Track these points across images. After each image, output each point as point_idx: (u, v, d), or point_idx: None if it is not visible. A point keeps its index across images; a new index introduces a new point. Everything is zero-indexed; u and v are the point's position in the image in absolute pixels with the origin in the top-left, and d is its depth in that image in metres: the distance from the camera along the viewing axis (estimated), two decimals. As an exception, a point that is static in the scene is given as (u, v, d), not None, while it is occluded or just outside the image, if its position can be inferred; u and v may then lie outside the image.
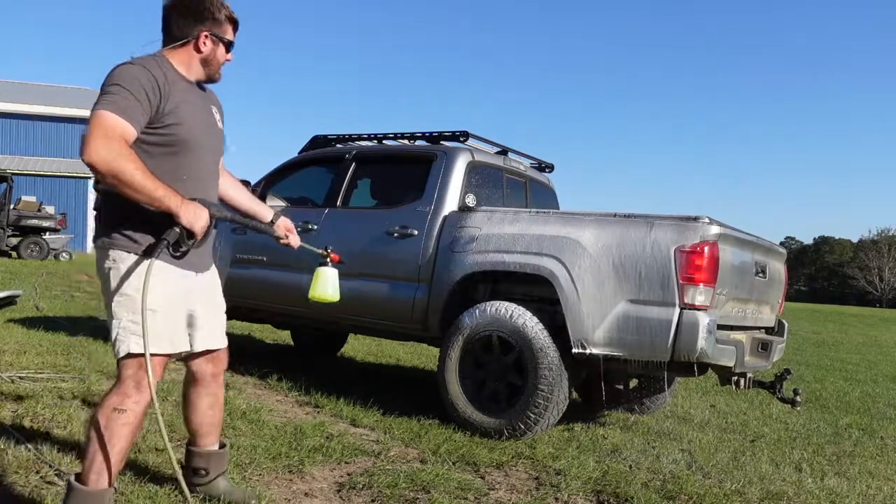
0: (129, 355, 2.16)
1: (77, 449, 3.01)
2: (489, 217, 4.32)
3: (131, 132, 2.09)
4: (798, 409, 4.93)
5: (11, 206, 18.55)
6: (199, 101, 2.34)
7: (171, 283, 2.24)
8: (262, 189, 5.38)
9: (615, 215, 3.97)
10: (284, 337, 7.71)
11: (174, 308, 2.26)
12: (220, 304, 2.52)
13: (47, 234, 19.16)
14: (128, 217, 2.18)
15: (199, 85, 2.38)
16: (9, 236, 18.32)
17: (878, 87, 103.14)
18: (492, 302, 4.15)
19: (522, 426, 3.91)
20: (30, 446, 2.95)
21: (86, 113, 29.61)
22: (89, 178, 29.23)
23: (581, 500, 3.09)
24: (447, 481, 3.07)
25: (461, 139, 4.79)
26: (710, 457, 3.92)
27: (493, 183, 4.97)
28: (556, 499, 3.08)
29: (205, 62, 2.32)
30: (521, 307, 4.02)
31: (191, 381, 2.53)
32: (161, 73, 2.18)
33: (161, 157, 2.20)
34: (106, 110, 2.05)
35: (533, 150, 5.65)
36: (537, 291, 4.16)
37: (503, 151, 5.23)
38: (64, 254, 19.19)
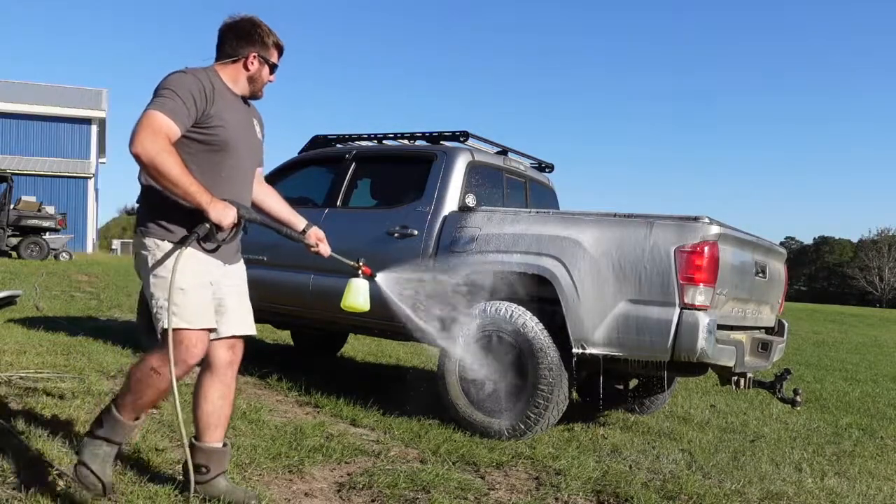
0: (165, 330, 2.38)
1: (76, 448, 3.01)
2: (489, 217, 4.32)
3: (175, 131, 2.34)
4: (798, 409, 4.93)
5: (11, 206, 18.55)
6: (241, 112, 2.60)
7: (201, 267, 2.47)
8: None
9: (615, 215, 3.97)
10: (284, 337, 7.71)
11: (203, 289, 2.47)
12: (247, 294, 2.71)
13: (47, 234, 19.15)
14: (164, 210, 2.43)
15: (244, 100, 2.65)
16: (9, 236, 18.31)
17: (878, 87, 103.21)
18: (492, 302, 4.15)
19: (522, 426, 3.91)
20: (30, 446, 2.95)
21: (86, 113, 29.68)
22: (89, 178, 29.27)
23: (581, 500, 3.09)
24: (447, 481, 3.07)
25: (461, 139, 4.79)
26: (710, 457, 3.92)
27: (493, 183, 4.97)
28: (556, 499, 3.08)
29: (251, 80, 2.60)
30: (521, 307, 4.02)
31: (206, 369, 2.63)
32: (209, 82, 2.45)
33: (202, 155, 2.45)
34: (155, 110, 2.30)
35: (533, 150, 5.66)
36: (538, 291, 4.16)
37: (503, 151, 5.23)
38: (64, 254, 19.19)
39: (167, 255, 2.43)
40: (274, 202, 2.92)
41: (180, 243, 2.41)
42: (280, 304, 5.08)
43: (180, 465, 2.81)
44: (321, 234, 2.94)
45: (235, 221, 2.43)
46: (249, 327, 2.68)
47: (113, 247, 39.75)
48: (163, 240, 2.45)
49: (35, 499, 2.46)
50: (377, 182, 5.35)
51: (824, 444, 4.59)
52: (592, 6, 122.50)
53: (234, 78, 2.58)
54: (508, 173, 5.14)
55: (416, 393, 4.57)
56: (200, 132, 2.43)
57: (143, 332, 5.94)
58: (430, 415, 4.25)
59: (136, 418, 2.49)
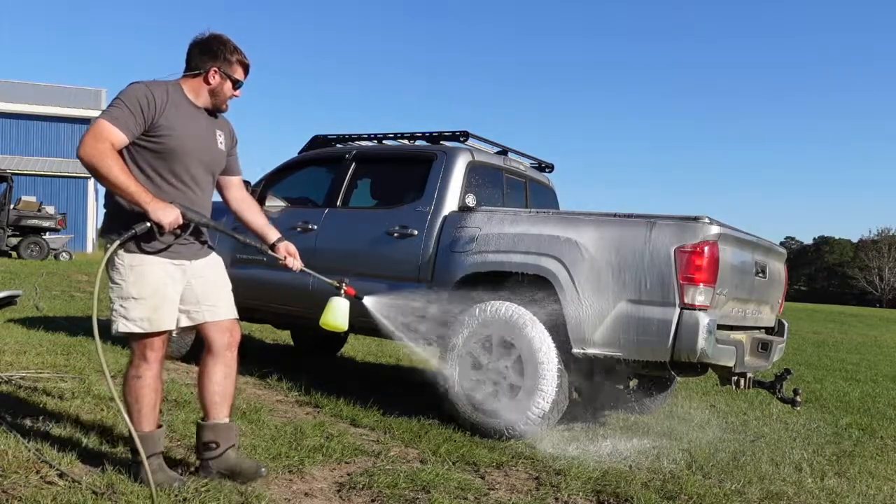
0: (121, 334, 2.65)
1: (76, 448, 3.01)
2: (489, 217, 4.32)
3: (121, 138, 2.53)
4: (798, 409, 4.92)
5: (11, 206, 18.55)
6: (200, 123, 2.76)
7: (162, 275, 2.66)
8: (262, 189, 5.37)
9: (615, 215, 3.97)
10: (284, 337, 7.71)
11: (160, 295, 2.66)
12: (225, 283, 2.91)
13: (47, 234, 19.17)
14: (125, 217, 2.59)
15: (211, 112, 2.81)
16: (9, 236, 18.32)
17: (878, 86, 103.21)
18: (492, 302, 4.15)
19: (522, 426, 3.91)
20: (30, 446, 2.95)
21: (85, 113, 29.68)
22: (89, 178, 29.25)
23: (581, 500, 3.09)
24: (447, 481, 3.07)
25: (461, 139, 4.79)
26: (710, 457, 3.92)
27: (493, 183, 4.97)
28: (556, 499, 3.08)
29: (212, 93, 2.76)
30: (521, 307, 4.02)
31: (207, 352, 2.86)
32: (163, 94, 2.62)
33: (152, 161, 2.62)
34: (103, 119, 2.52)
35: (533, 150, 5.66)
36: (538, 291, 4.16)
37: (503, 151, 5.23)
38: (64, 254, 19.19)
39: (124, 262, 2.62)
40: (249, 213, 3.05)
41: (123, 241, 2.56)
42: (280, 304, 5.08)
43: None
44: (293, 248, 3.07)
45: (179, 222, 2.58)
46: (228, 311, 2.88)
47: (113, 247, 39.75)
48: (124, 248, 2.62)
49: (35, 499, 2.46)
50: (377, 182, 5.35)
51: (824, 444, 4.59)
52: (592, 7, 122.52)
53: (195, 91, 2.75)
54: (508, 173, 5.14)
55: (415, 393, 4.57)
56: (149, 140, 2.61)
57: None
58: (430, 415, 4.25)
59: (160, 426, 2.76)
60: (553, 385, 3.88)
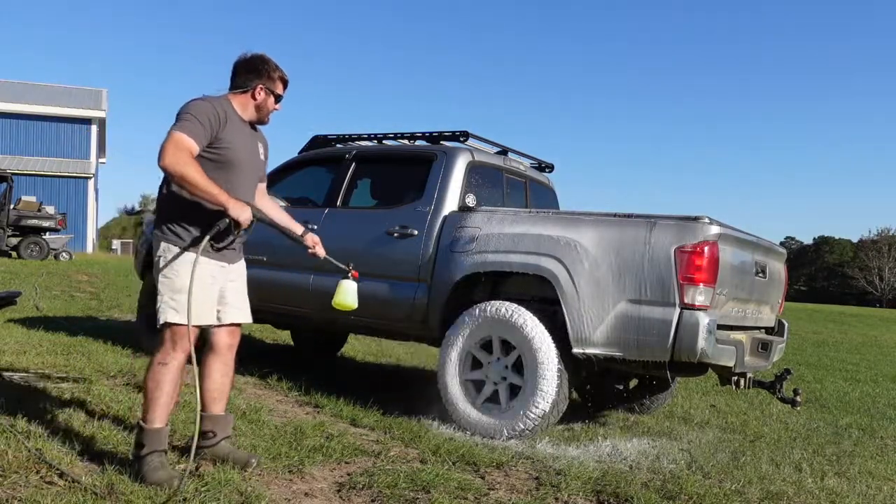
0: (166, 324, 2.83)
1: (76, 448, 3.02)
2: (489, 217, 4.32)
3: (195, 148, 2.77)
4: (798, 409, 4.93)
5: (11, 206, 18.55)
6: (248, 136, 3.03)
7: (208, 273, 2.90)
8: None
9: (615, 215, 3.97)
10: (284, 337, 7.71)
11: (205, 291, 2.89)
12: (245, 283, 3.17)
13: (47, 234, 19.16)
14: (178, 218, 2.88)
15: (252, 125, 3.07)
16: (9, 236, 18.31)
17: (878, 87, 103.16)
18: (492, 302, 4.15)
19: (522, 426, 3.91)
20: (30, 446, 2.95)
21: (85, 113, 29.70)
22: (89, 178, 29.27)
23: (581, 500, 3.09)
24: (447, 481, 3.07)
25: (461, 139, 4.79)
26: (710, 457, 3.92)
27: (493, 183, 4.96)
28: (556, 499, 3.08)
29: (258, 108, 3.03)
30: (521, 307, 4.02)
31: (209, 351, 3.10)
32: (222, 109, 2.88)
33: (212, 172, 2.82)
34: (178, 131, 2.73)
35: (533, 150, 5.65)
36: (537, 291, 4.16)
37: (503, 151, 5.22)
38: (64, 254, 19.19)
39: (175, 259, 2.85)
40: (275, 211, 3.32)
41: (200, 238, 2.82)
42: (280, 304, 5.08)
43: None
44: (317, 238, 3.38)
45: (251, 219, 2.85)
46: (246, 316, 3.14)
47: (113, 247, 39.74)
48: (174, 245, 2.86)
49: (35, 499, 2.46)
50: (377, 182, 5.35)
51: (824, 444, 4.59)
52: (592, 6, 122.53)
53: (243, 106, 3.01)
54: (508, 173, 5.14)
55: (415, 393, 4.57)
56: (211, 152, 2.86)
57: (142, 332, 5.94)
58: (430, 415, 4.25)
59: (166, 424, 2.86)
60: (553, 385, 3.88)
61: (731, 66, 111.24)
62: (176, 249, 2.86)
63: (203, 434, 2.98)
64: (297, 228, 3.32)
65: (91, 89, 32.45)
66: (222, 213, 2.79)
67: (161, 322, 2.84)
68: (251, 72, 2.99)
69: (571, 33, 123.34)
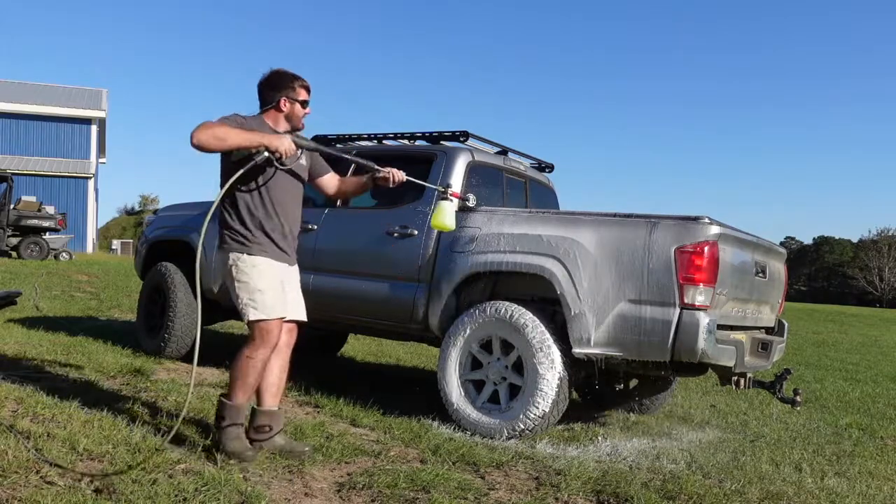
0: (251, 322, 3.14)
1: (76, 448, 3.02)
2: (489, 217, 4.32)
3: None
4: (798, 409, 4.93)
5: (11, 206, 18.53)
6: None
7: (274, 271, 3.22)
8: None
9: (615, 215, 3.97)
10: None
11: (276, 287, 3.21)
12: (300, 291, 3.47)
13: (47, 234, 19.14)
14: (239, 227, 3.19)
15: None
16: (9, 236, 18.29)
17: (878, 86, 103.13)
18: (492, 302, 4.15)
19: (522, 426, 3.91)
20: (30, 446, 2.95)
21: (85, 113, 29.68)
22: (89, 178, 29.26)
23: (581, 500, 3.09)
24: (447, 481, 3.07)
25: (461, 139, 4.78)
26: (710, 457, 3.92)
27: (493, 183, 4.96)
28: (556, 499, 3.08)
29: (287, 118, 3.30)
30: (521, 307, 4.02)
31: None
32: (253, 123, 3.18)
33: (253, 179, 3.17)
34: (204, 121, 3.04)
35: (533, 150, 5.65)
36: (538, 291, 4.16)
37: (503, 151, 5.22)
38: (64, 254, 19.17)
39: (245, 263, 3.16)
40: (346, 183, 3.70)
41: (244, 163, 3.06)
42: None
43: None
44: (393, 170, 3.57)
45: (293, 148, 3.12)
46: (302, 315, 3.44)
47: (113, 247, 39.77)
48: (240, 252, 3.17)
49: (35, 499, 2.46)
50: (377, 182, 5.34)
51: (824, 444, 4.59)
52: (593, 6, 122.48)
53: (275, 120, 3.28)
54: (508, 173, 5.14)
55: (415, 393, 4.57)
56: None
57: (142, 332, 5.95)
58: (430, 415, 4.25)
59: (248, 400, 3.20)
60: (553, 385, 3.88)
61: (731, 67, 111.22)
62: (244, 256, 3.16)
63: (259, 428, 3.27)
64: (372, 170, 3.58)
65: (91, 89, 32.45)
66: (277, 216, 3.19)
67: (246, 321, 3.17)
68: (272, 88, 3.25)
69: (572, 33, 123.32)
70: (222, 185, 3.16)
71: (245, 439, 3.17)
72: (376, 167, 3.54)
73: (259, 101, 3.31)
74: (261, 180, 3.19)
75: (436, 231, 4.41)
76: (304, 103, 3.30)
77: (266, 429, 3.28)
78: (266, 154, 3.04)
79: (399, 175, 3.54)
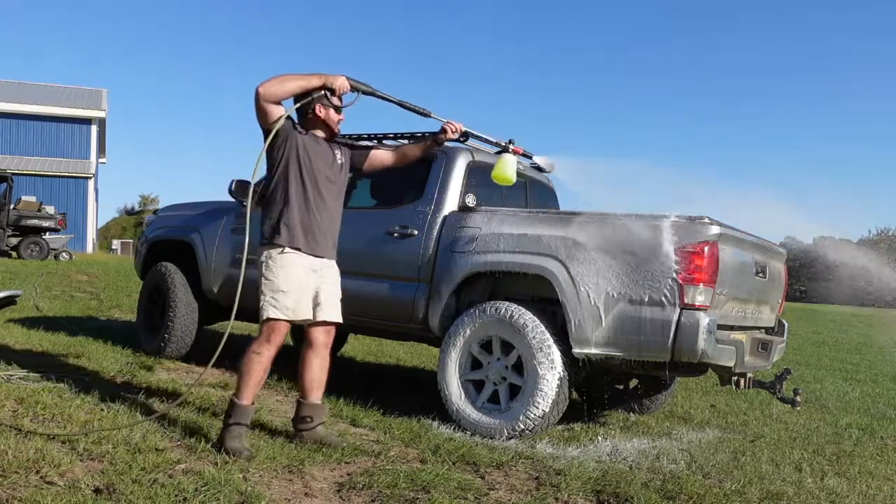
0: (266, 319, 3.30)
1: (77, 448, 3.02)
2: (489, 217, 4.32)
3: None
4: (798, 409, 4.92)
5: (11, 206, 18.53)
6: (324, 148, 3.51)
7: (304, 272, 3.38)
8: (262, 188, 5.36)
9: (615, 215, 3.97)
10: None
11: (302, 289, 3.37)
12: (338, 289, 3.59)
13: (47, 234, 19.14)
14: (273, 224, 3.36)
15: (328, 140, 3.55)
16: (9, 236, 18.29)
17: (878, 87, 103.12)
18: (492, 302, 4.15)
19: (522, 426, 3.91)
20: (30, 446, 2.94)
21: (85, 113, 29.67)
22: (89, 178, 29.25)
23: (581, 500, 3.09)
24: (447, 481, 3.07)
25: (461, 139, 4.77)
26: (710, 457, 3.92)
27: (493, 183, 4.95)
28: (556, 499, 3.08)
29: (324, 123, 3.51)
30: (521, 307, 4.02)
31: (307, 347, 3.57)
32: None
33: (299, 175, 3.39)
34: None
35: (533, 150, 5.63)
36: (538, 291, 4.16)
37: (503, 151, 5.20)
38: (64, 254, 19.17)
39: (275, 260, 3.32)
40: (405, 149, 3.85)
41: (303, 104, 3.38)
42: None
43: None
44: (453, 122, 3.74)
45: (347, 86, 3.35)
46: (338, 316, 3.56)
47: (113, 247, 39.74)
48: (273, 251, 3.34)
49: (35, 499, 2.46)
50: (377, 182, 5.33)
51: (824, 444, 4.59)
52: (592, 6, 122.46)
53: (313, 125, 3.50)
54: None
55: (415, 393, 4.56)
56: (298, 163, 3.38)
57: (142, 332, 5.95)
58: (430, 415, 4.25)
59: (252, 402, 3.34)
60: (553, 385, 3.88)
61: (731, 66, 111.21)
62: (275, 253, 3.32)
63: (302, 419, 3.51)
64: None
65: (91, 89, 32.43)
66: (317, 211, 3.37)
67: (263, 318, 3.30)
68: (308, 95, 3.44)
69: (572, 32, 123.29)
70: (270, 166, 3.42)
71: (245, 440, 3.26)
72: (441, 119, 3.72)
73: (296, 112, 3.49)
74: (305, 175, 3.37)
75: (436, 231, 4.41)
76: (337, 109, 3.51)
77: (308, 419, 3.50)
78: (322, 92, 3.31)
79: (458, 125, 3.73)
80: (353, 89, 3.43)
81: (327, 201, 3.48)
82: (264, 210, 3.43)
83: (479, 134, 3.68)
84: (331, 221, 3.50)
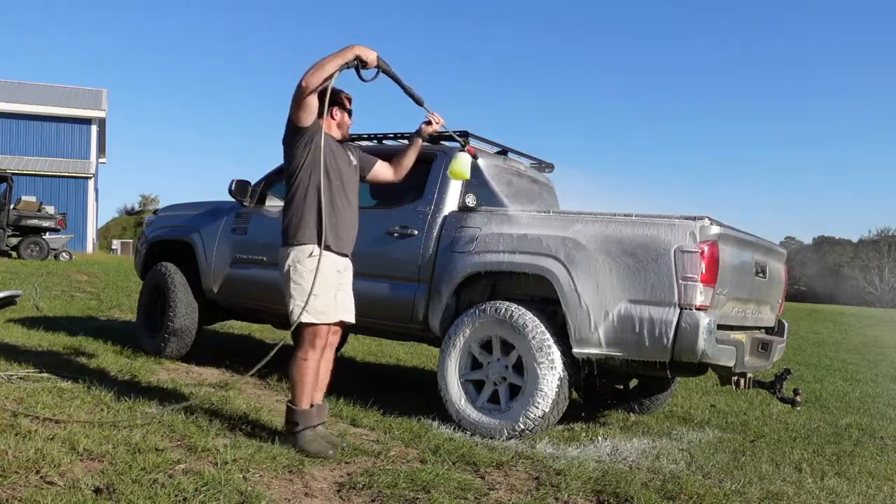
0: (302, 324, 3.34)
1: (76, 448, 3.02)
2: (489, 217, 4.32)
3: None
4: (798, 409, 4.93)
5: (11, 206, 18.53)
6: (341, 150, 3.61)
7: (333, 274, 3.44)
8: (262, 188, 5.37)
9: (615, 215, 3.97)
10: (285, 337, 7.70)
11: (329, 290, 3.42)
12: (352, 291, 3.64)
13: (47, 234, 19.14)
14: (299, 227, 3.39)
15: (341, 142, 3.65)
16: (9, 236, 18.29)
17: (878, 86, 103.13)
18: (492, 302, 4.15)
19: (522, 426, 3.91)
20: (30, 446, 2.94)
21: (85, 113, 29.68)
22: (89, 178, 29.26)
23: (581, 500, 3.09)
24: (447, 481, 3.07)
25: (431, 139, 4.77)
26: (710, 457, 3.92)
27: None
28: (556, 499, 3.08)
29: (339, 126, 3.64)
30: (521, 307, 4.02)
31: None
32: (312, 127, 3.46)
33: (326, 176, 3.43)
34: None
35: (533, 150, 5.65)
36: (538, 291, 4.16)
37: (503, 151, 5.22)
38: (64, 254, 19.17)
39: (304, 267, 3.34)
40: (399, 156, 3.94)
41: (341, 69, 3.33)
42: (280, 305, 5.07)
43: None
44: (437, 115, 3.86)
45: (375, 61, 3.41)
46: (351, 316, 3.62)
47: (113, 247, 39.76)
48: (301, 253, 3.35)
49: (35, 499, 2.46)
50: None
51: (824, 444, 4.59)
52: (592, 6, 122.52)
53: (328, 126, 3.54)
54: (508, 173, 5.13)
55: (415, 393, 4.56)
56: (326, 165, 3.43)
57: (142, 332, 5.95)
58: (430, 415, 4.25)
59: (311, 405, 3.42)
60: (553, 385, 3.88)
61: (729, 67, 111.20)
62: (304, 255, 3.34)
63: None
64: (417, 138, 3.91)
65: (91, 89, 32.43)
66: (342, 209, 3.46)
67: (294, 321, 3.35)
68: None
69: (572, 32, 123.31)
70: (293, 164, 3.45)
71: (321, 440, 3.36)
72: (430, 109, 3.80)
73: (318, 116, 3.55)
74: (332, 174, 3.44)
75: (436, 231, 4.41)
76: (349, 112, 3.67)
77: None
78: (354, 61, 3.36)
79: (440, 118, 3.83)
80: (377, 66, 3.49)
81: (351, 200, 3.57)
82: (288, 209, 3.44)
83: (447, 127, 3.98)
84: (353, 220, 3.59)
